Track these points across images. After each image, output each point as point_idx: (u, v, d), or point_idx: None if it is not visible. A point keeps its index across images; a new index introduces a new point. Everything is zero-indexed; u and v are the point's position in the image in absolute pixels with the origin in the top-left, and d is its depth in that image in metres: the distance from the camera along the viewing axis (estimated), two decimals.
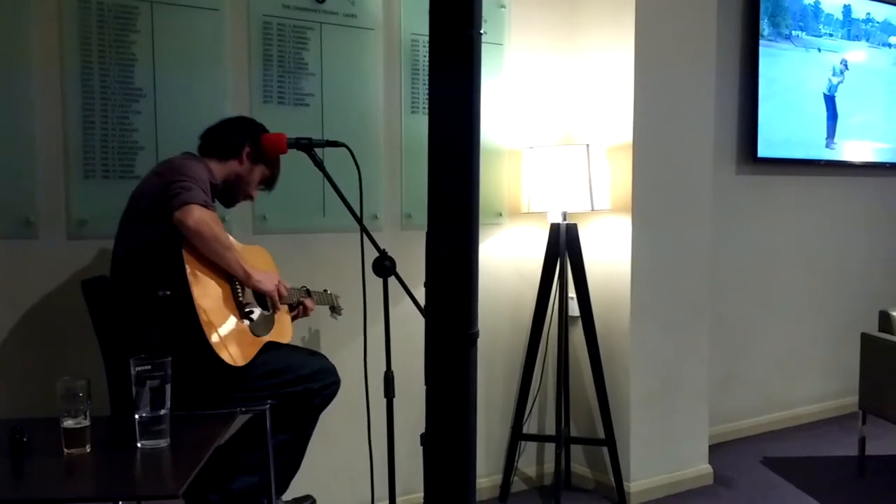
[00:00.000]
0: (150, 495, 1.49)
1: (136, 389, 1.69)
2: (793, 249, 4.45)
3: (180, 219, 2.03)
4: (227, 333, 2.12)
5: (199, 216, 2.04)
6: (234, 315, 2.20)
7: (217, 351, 2.04)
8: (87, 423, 1.68)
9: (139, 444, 1.70)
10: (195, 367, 2.03)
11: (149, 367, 1.69)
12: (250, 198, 2.45)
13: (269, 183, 2.46)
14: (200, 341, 2.02)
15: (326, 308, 2.73)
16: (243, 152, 2.35)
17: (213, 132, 2.37)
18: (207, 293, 2.10)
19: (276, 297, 2.33)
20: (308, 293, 2.59)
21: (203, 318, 2.04)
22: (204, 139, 2.37)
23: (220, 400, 2.14)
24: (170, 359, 1.72)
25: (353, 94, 2.95)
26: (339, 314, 2.74)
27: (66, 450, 1.67)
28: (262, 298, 2.36)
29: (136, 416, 1.70)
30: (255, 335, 2.26)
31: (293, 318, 2.54)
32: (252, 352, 2.21)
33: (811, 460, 3.88)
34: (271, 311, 2.40)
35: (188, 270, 2.05)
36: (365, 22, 2.97)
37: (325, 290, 2.73)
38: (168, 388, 1.71)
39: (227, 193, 2.39)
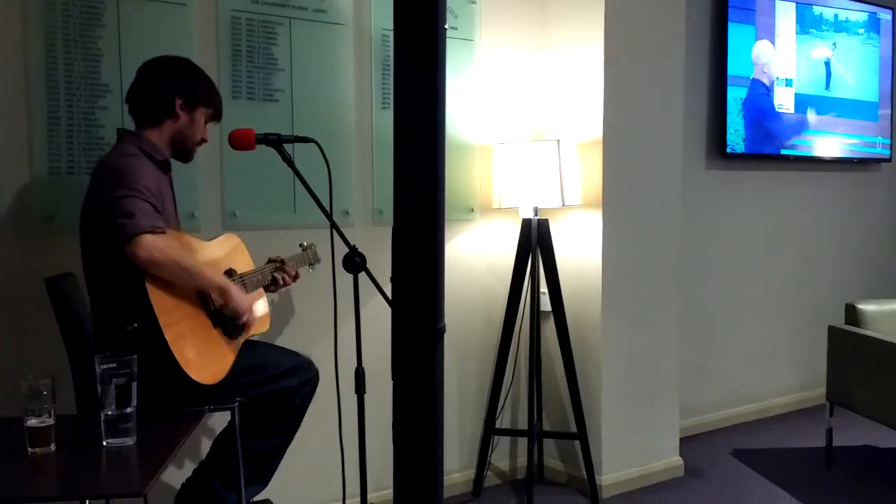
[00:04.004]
0: (116, 493, 1.48)
1: (102, 388, 1.67)
2: (762, 244, 4.50)
3: (132, 253, 1.94)
4: (202, 353, 2.09)
5: (149, 246, 1.95)
6: (208, 327, 2.16)
7: (192, 375, 2.01)
8: (51, 421, 1.67)
9: (105, 443, 1.68)
10: (172, 386, 2.01)
11: (114, 364, 1.68)
12: (204, 141, 2.34)
13: (215, 117, 2.34)
14: (174, 369, 1.98)
15: (298, 299, 2.72)
16: (176, 106, 2.23)
17: (136, 96, 2.23)
18: (175, 317, 2.04)
19: (248, 325, 2.25)
20: (282, 263, 2.55)
21: (174, 346, 1.98)
22: (131, 108, 2.25)
23: (201, 402, 2.12)
24: (136, 356, 1.71)
25: (324, 90, 2.94)
26: (318, 263, 2.74)
27: (30, 449, 1.65)
28: None
29: (102, 415, 1.68)
30: (230, 339, 2.23)
31: (273, 291, 2.53)
32: (229, 361, 2.19)
33: (780, 452, 3.93)
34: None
35: (152, 299, 1.98)
36: (335, 17, 2.96)
37: (301, 246, 2.71)
38: (134, 385, 1.70)
39: (179, 152, 2.30)
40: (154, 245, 1.96)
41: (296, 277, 2.58)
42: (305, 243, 2.73)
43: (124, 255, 1.96)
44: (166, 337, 1.97)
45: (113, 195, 2.00)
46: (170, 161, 2.30)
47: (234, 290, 2.17)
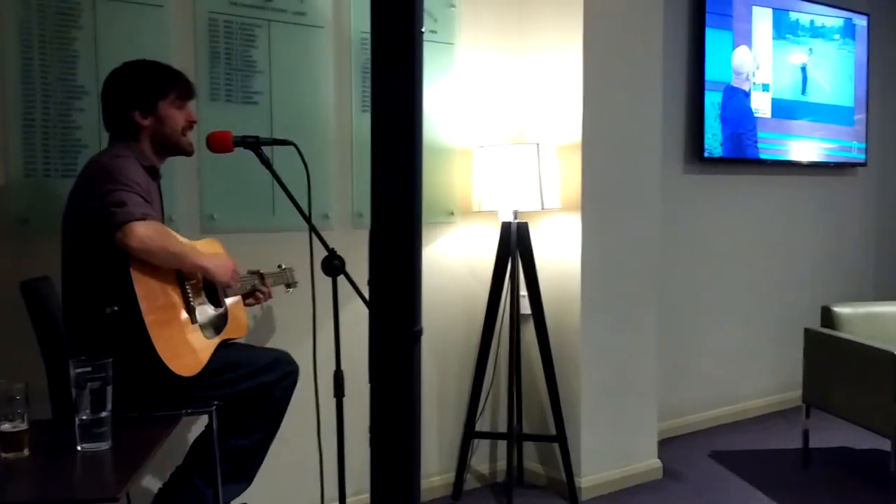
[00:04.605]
0: (89, 499, 1.46)
1: (76, 392, 1.66)
2: (740, 247, 4.54)
3: (123, 241, 1.96)
4: (178, 344, 2.09)
5: (141, 233, 1.97)
6: (186, 321, 2.17)
7: (169, 364, 2.01)
8: (24, 426, 1.65)
9: (80, 448, 1.67)
10: (148, 376, 2.01)
11: (89, 368, 1.66)
12: (192, 123, 2.29)
13: (186, 95, 2.28)
14: (151, 355, 1.99)
15: (277, 300, 2.71)
16: (136, 120, 2.20)
17: (105, 122, 2.25)
18: (157, 304, 2.06)
19: (234, 287, 2.32)
20: (262, 277, 2.56)
21: (152, 332, 2.00)
22: (108, 131, 2.26)
23: (177, 402, 2.11)
24: (111, 360, 1.69)
25: (303, 93, 2.94)
26: (294, 287, 2.74)
27: (2, 454, 1.63)
28: (213, 295, 2.34)
29: (77, 419, 1.67)
30: (207, 337, 2.23)
31: (250, 304, 2.52)
32: (205, 356, 2.19)
33: (757, 453, 3.96)
34: (224, 308, 2.37)
35: (136, 285, 2.00)
36: (314, 20, 2.95)
37: (280, 266, 2.71)
38: (109, 389, 1.68)
39: (171, 149, 2.28)
40: (145, 233, 1.98)
41: (269, 297, 2.59)
42: (283, 265, 2.72)
43: (112, 244, 1.97)
44: (145, 321, 1.98)
45: (103, 189, 2.02)
46: (158, 168, 2.29)
47: (213, 265, 2.21)
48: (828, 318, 3.70)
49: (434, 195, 3.31)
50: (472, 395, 3.39)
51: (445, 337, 3.39)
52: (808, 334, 3.68)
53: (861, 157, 5.06)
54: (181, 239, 2.19)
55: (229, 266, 2.28)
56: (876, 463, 3.72)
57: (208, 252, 2.33)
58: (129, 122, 2.21)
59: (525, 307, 3.37)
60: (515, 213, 3.29)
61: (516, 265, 3.31)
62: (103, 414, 1.68)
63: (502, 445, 3.53)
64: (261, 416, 2.37)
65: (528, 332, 3.43)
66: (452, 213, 3.38)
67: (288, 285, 2.73)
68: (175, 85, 2.26)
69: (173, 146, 2.28)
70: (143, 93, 2.21)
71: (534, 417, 3.54)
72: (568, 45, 3.33)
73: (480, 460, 3.55)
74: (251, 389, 2.30)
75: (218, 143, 2.25)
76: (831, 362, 3.55)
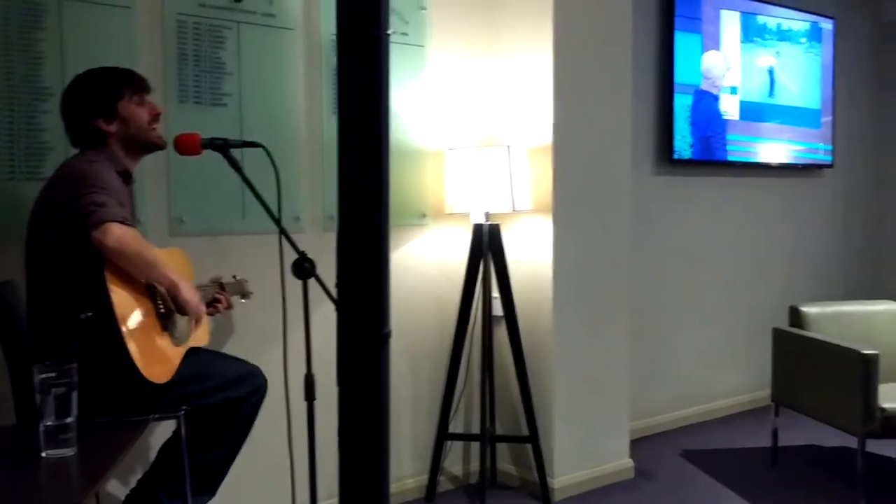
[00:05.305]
0: None
1: (41, 397, 1.64)
2: (710, 248, 4.59)
3: (100, 239, 1.95)
4: (151, 351, 2.07)
5: (119, 234, 1.96)
6: (157, 329, 2.15)
7: (142, 371, 1.99)
8: None
9: (44, 454, 1.64)
10: (119, 383, 1.99)
11: (53, 374, 1.64)
12: (156, 116, 2.27)
13: (142, 89, 2.25)
14: (124, 361, 1.97)
15: (237, 297, 2.69)
16: (101, 127, 2.18)
17: (72, 135, 2.23)
18: (129, 311, 2.04)
19: (200, 317, 2.24)
20: (221, 286, 2.55)
21: (127, 339, 1.98)
22: (77, 146, 2.24)
23: (145, 409, 2.09)
24: (76, 365, 1.67)
25: (273, 95, 2.92)
26: (249, 298, 2.71)
27: None
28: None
29: (41, 425, 1.64)
30: (175, 344, 2.21)
31: (211, 314, 2.50)
32: (176, 363, 2.18)
33: (728, 452, 4.01)
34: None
35: (110, 289, 1.99)
36: (284, 22, 2.94)
37: (235, 277, 2.69)
38: (75, 395, 1.66)
39: (142, 146, 2.26)
40: (123, 235, 1.97)
41: (230, 306, 2.56)
42: (238, 276, 2.70)
43: (86, 246, 1.95)
44: (120, 327, 1.96)
45: (79, 191, 2.00)
46: (131, 172, 2.27)
47: (185, 285, 2.16)
48: (796, 317, 3.74)
49: (406, 197, 3.31)
50: (444, 397, 3.39)
51: (418, 339, 3.39)
52: (777, 334, 3.73)
53: (828, 159, 5.14)
54: (155, 250, 2.18)
55: (197, 299, 2.22)
56: (843, 460, 3.77)
57: (176, 266, 2.31)
58: (96, 131, 2.19)
59: (497, 309, 3.38)
60: (487, 215, 3.30)
61: (488, 267, 3.31)
62: (68, 420, 1.65)
63: (475, 447, 3.54)
64: (229, 430, 2.35)
65: (501, 334, 3.44)
66: (424, 216, 3.38)
67: (243, 296, 2.70)
68: (128, 83, 2.24)
69: (144, 143, 2.26)
70: (100, 99, 2.19)
71: (506, 419, 3.55)
72: (538, 48, 3.35)
73: (454, 462, 3.56)
74: (221, 403, 2.29)
75: (186, 146, 2.23)
76: (799, 361, 3.59)
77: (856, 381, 3.14)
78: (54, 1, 2.45)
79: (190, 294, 2.17)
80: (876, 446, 3.53)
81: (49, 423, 1.64)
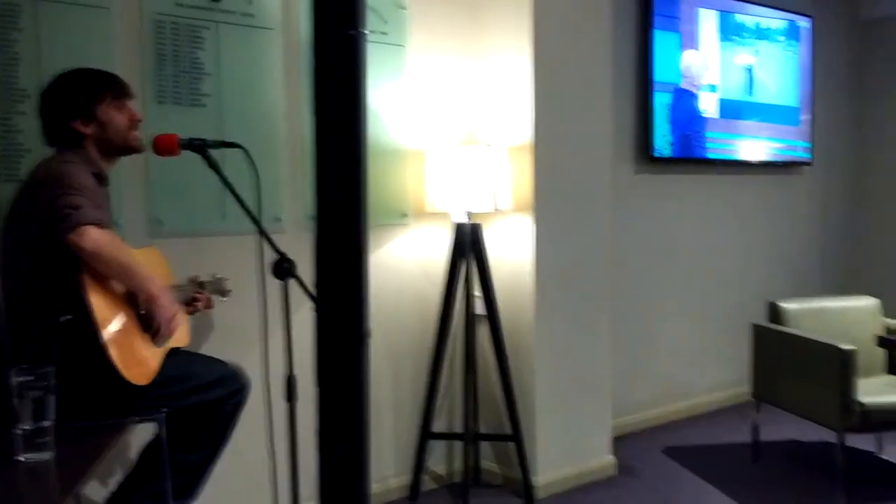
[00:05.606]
0: None
1: (17, 401, 1.62)
2: (691, 245, 4.62)
3: (76, 242, 1.92)
4: (131, 352, 2.06)
5: (96, 237, 1.94)
6: (137, 329, 2.13)
7: (124, 372, 1.98)
8: None
9: (21, 458, 1.63)
10: (99, 385, 1.97)
11: (31, 377, 1.63)
12: (136, 122, 2.25)
13: (122, 94, 2.23)
14: (105, 363, 1.95)
15: (217, 296, 2.68)
16: (79, 129, 2.16)
17: (48, 134, 2.20)
18: (109, 313, 2.03)
19: (169, 331, 2.18)
20: (200, 285, 2.53)
21: (107, 341, 1.96)
22: (52, 146, 2.21)
23: (125, 411, 2.07)
24: (54, 369, 1.66)
25: (253, 95, 2.91)
26: (227, 296, 2.70)
27: None
28: None
29: (18, 429, 1.63)
30: (156, 345, 2.20)
31: (190, 313, 2.49)
32: (156, 364, 2.16)
33: (709, 448, 4.03)
34: None
35: (89, 291, 1.97)
36: (263, 21, 2.93)
37: (214, 275, 2.68)
38: (52, 398, 1.65)
39: (120, 150, 2.24)
40: (99, 238, 1.95)
41: (210, 305, 2.55)
42: (218, 274, 2.68)
43: (63, 249, 1.93)
44: (100, 329, 1.95)
45: (55, 193, 1.97)
46: (106, 174, 2.25)
47: (163, 298, 2.13)
48: (775, 313, 3.77)
49: (387, 197, 3.30)
50: (427, 397, 3.39)
51: (400, 339, 3.39)
52: (756, 329, 3.75)
53: (807, 157, 5.19)
54: (133, 252, 2.16)
55: (175, 310, 2.19)
56: (823, 455, 3.80)
57: (152, 267, 2.29)
58: (72, 132, 2.17)
59: (479, 308, 3.39)
60: (468, 215, 3.30)
61: (470, 266, 3.32)
62: (45, 423, 1.64)
63: (458, 446, 3.54)
64: (210, 431, 2.34)
65: (483, 333, 3.44)
66: (405, 215, 3.38)
67: (222, 294, 2.69)
68: (109, 87, 2.22)
69: (121, 147, 2.24)
70: (79, 100, 2.17)
71: (489, 417, 3.55)
72: (518, 47, 3.36)
73: (437, 461, 3.56)
74: (202, 404, 2.27)
75: (164, 147, 2.21)
76: (779, 357, 3.62)
77: (834, 376, 3.17)
78: (30, 2, 2.43)
79: (165, 312, 2.12)
80: (855, 441, 3.56)
81: (26, 427, 1.63)
